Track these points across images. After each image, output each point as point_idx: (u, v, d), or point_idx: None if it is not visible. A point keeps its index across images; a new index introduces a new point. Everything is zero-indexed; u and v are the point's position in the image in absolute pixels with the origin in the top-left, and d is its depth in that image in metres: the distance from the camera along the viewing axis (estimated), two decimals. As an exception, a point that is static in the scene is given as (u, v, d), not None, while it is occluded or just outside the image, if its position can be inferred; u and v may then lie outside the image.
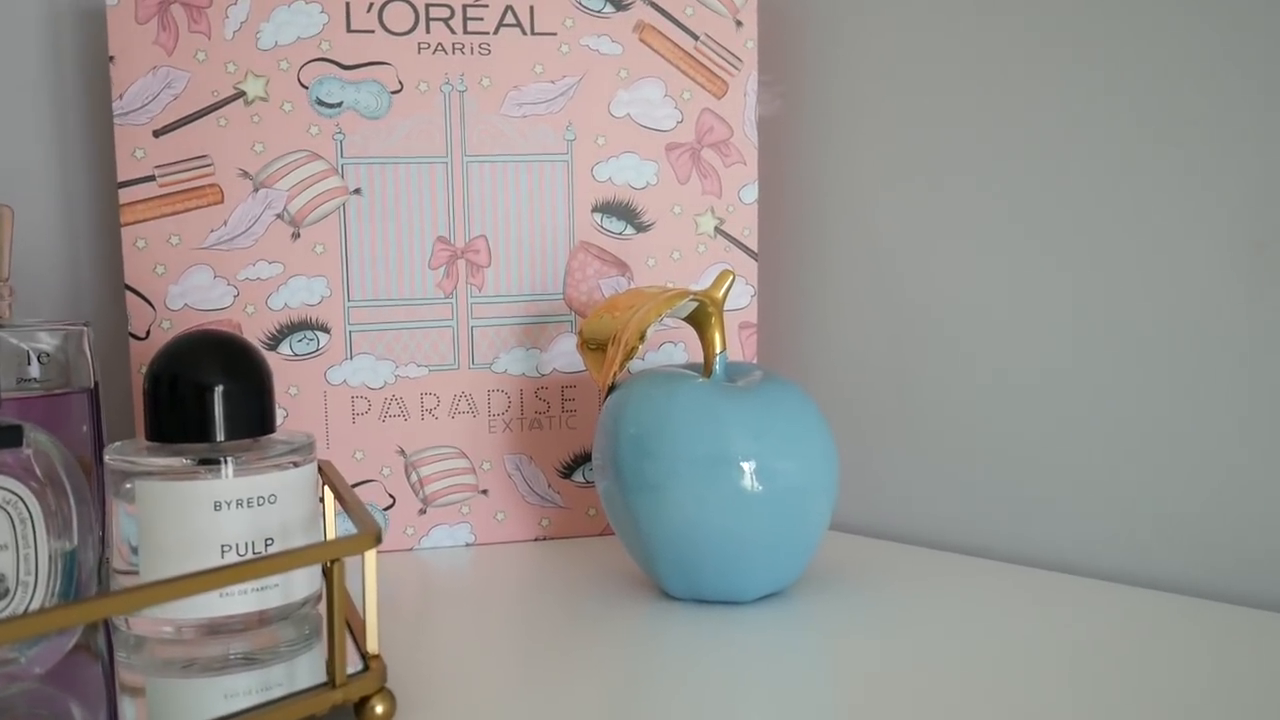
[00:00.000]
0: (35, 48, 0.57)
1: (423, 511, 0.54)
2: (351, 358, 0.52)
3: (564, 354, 0.55)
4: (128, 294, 0.50)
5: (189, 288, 0.50)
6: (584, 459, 0.55)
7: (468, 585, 0.48)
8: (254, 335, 0.51)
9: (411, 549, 0.54)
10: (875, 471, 0.57)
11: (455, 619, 0.44)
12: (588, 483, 0.55)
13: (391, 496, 0.53)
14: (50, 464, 0.34)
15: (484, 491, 0.54)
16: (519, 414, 0.54)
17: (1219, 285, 0.45)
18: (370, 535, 0.32)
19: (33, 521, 0.33)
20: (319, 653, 0.38)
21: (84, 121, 0.58)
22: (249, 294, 0.51)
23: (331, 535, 0.42)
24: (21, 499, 0.33)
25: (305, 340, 0.52)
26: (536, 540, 0.55)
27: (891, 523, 0.56)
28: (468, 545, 0.54)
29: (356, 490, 0.53)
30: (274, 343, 0.51)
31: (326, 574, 0.33)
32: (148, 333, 0.50)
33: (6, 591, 0.32)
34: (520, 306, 0.54)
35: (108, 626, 0.40)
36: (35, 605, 0.33)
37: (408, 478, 0.53)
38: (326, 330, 0.52)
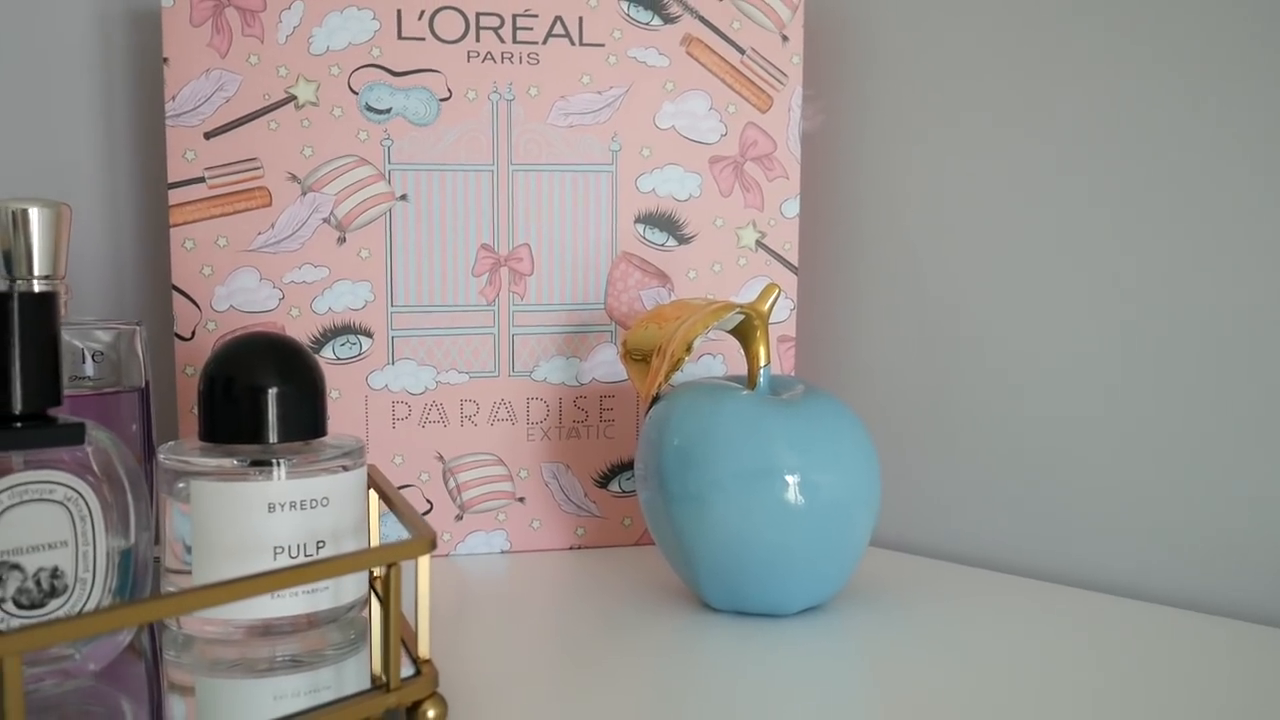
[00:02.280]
0: (86, 48, 0.57)
1: (459, 518, 0.54)
2: (393, 363, 0.52)
3: (604, 363, 0.55)
4: (174, 294, 0.50)
5: (235, 289, 0.51)
6: (621, 469, 0.55)
7: (504, 592, 0.49)
8: (298, 338, 0.51)
9: (448, 555, 0.54)
10: (913, 487, 0.57)
11: (492, 626, 0.44)
12: (624, 492, 0.56)
13: (429, 502, 0.53)
14: (109, 462, 0.34)
15: (520, 499, 0.54)
16: (557, 422, 0.54)
17: (1265, 303, 0.45)
18: (426, 540, 0.33)
19: (92, 519, 0.33)
20: (364, 657, 0.38)
21: (133, 122, 0.58)
22: (294, 297, 0.51)
23: (375, 540, 0.42)
24: (82, 496, 0.33)
25: (348, 344, 0.52)
26: (571, 549, 0.55)
27: (929, 539, 0.56)
28: (503, 552, 0.54)
29: (395, 495, 0.53)
30: (317, 346, 0.52)
31: (381, 579, 0.33)
32: (193, 333, 0.51)
33: (65, 588, 0.33)
34: (561, 315, 0.54)
35: (154, 626, 0.40)
36: (92, 603, 0.33)
37: (445, 484, 0.53)
38: (369, 335, 0.52)
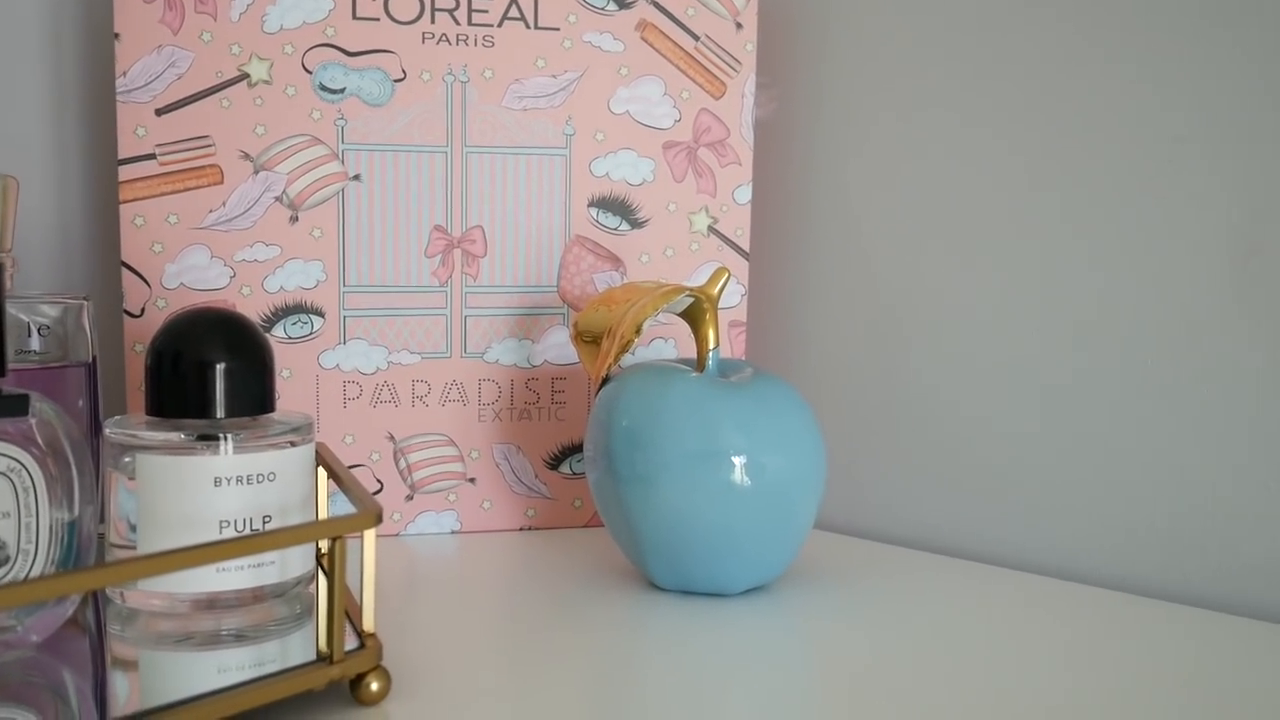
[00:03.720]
0: (37, 22, 0.57)
1: (410, 498, 0.54)
2: (345, 342, 0.52)
3: (555, 346, 0.55)
4: (124, 271, 0.50)
5: (186, 267, 0.51)
6: (572, 450, 0.56)
7: (453, 572, 0.49)
8: (249, 316, 0.51)
9: (397, 535, 0.54)
10: (859, 472, 0.58)
11: (441, 605, 0.44)
12: (575, 474, 0.56)
13: (379, 482, 0.53)
14: (54, 434, 0.34)
15: (471, 480, 0.55)
16: (509, 404, 0.55)
17: (1207, 292, 0.46)
18: (371, 514, 0.33)
19: (35, 490, 0.33)
20: (310, 631, 0.38)
21: (84, 97, 0.58)
22: (245, 275, 0.51)
23: (323, 516, 0.42)
24: (25, 467, 0.33)
25: (299, 323, 0.52)
26: (522, 530, 0.56)
27: (874, 522, 0.57)
28: (453, 533, 0.55)
29: (345, 474, 0.53)
30: (268, 325, 0.52)
31: (326, 552, 0.33)
32: (143, 310, 0.50)
33: (7, 559, 0.33)
34: (514, 297, 0.54)
35: (98, 599, 0.40)
36: (35, 574, 0.33)
37: (396, 464, 0.54)
38: (321, 314, 0.52)
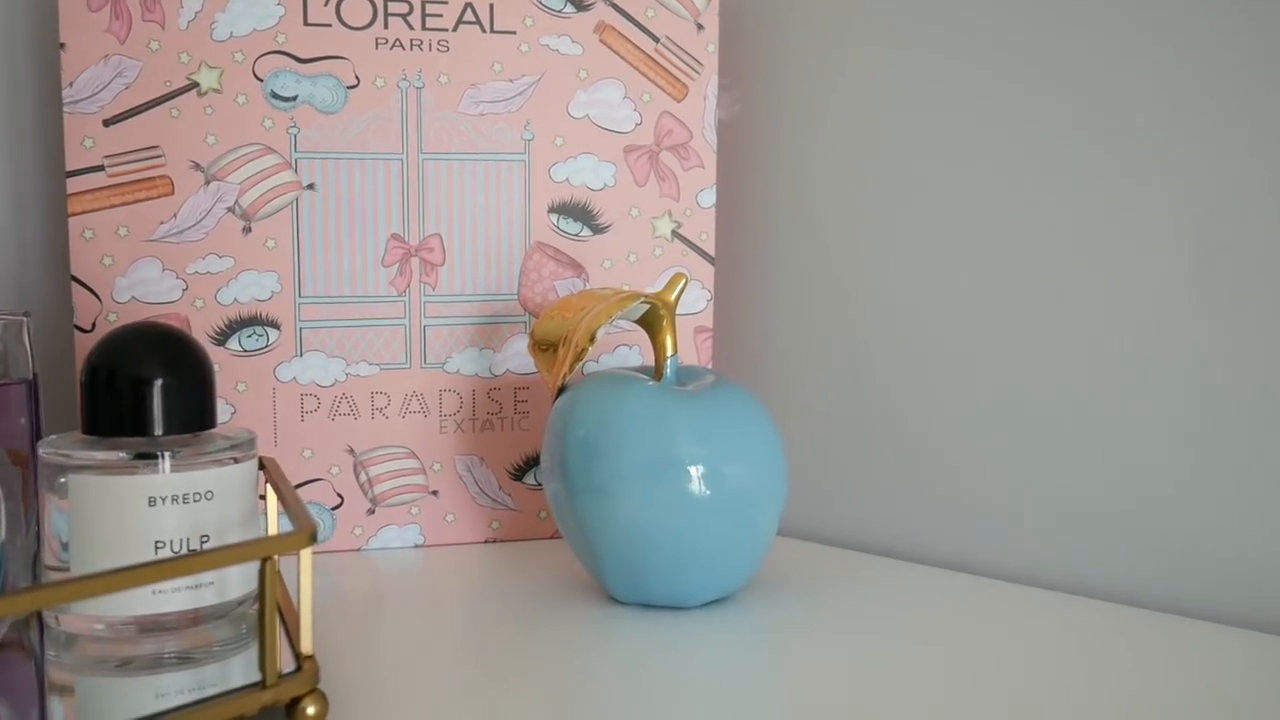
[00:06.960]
0: (-14, 33, 0.56)
1: (371, 511, 0.53)
2: (302, 355, 0.52)
3: (517, 355, 0.54)
4: (74, 285, 0.49)
5: (137, 280, 0.50)
6: (536, 461, 0.55)
7: (415, 587, 0.48)
8: (203, 330, 0.50)
9: (359, 549, 0.53)
10: (826, 478, 0.57)
11: (401, 621, 0.43)
12: (539, 485, 0.55)
13: (340, 496, 0.53)
14: (-21, 455, 0.33)
15: (434, 492, 0.54)
16: (471, 415, 0.54)
17: (1171, 293, 0.46)
18: (305, 533, 0.32)
19: (-41, 514, 0.32)
20: (254, 653, 0.37)
21: (32, 108, 0.57)
22: (198, 288, 0.50)
23: (273, 533, 0.41)
24: (-52, 491, 0.32)
25: (255, 336, 0.51)
26: (486, 542, 0.55)
27: (840, 530, 0.56)
28: (416, 546, 0.54)
29: (304, 489, 0.52)
30: (223, 338, 0.51)
31: (260, 572, 0.32)
32: (94, 325, 0.49)
33: (-70, 585, 0.32)
34: (474, 306, 0.53)
35: (41, 623, 0.39)
36: (-40, 599, 0.32)
37: (356, 477, 0.53)
38: (276, 326, 0.51)
